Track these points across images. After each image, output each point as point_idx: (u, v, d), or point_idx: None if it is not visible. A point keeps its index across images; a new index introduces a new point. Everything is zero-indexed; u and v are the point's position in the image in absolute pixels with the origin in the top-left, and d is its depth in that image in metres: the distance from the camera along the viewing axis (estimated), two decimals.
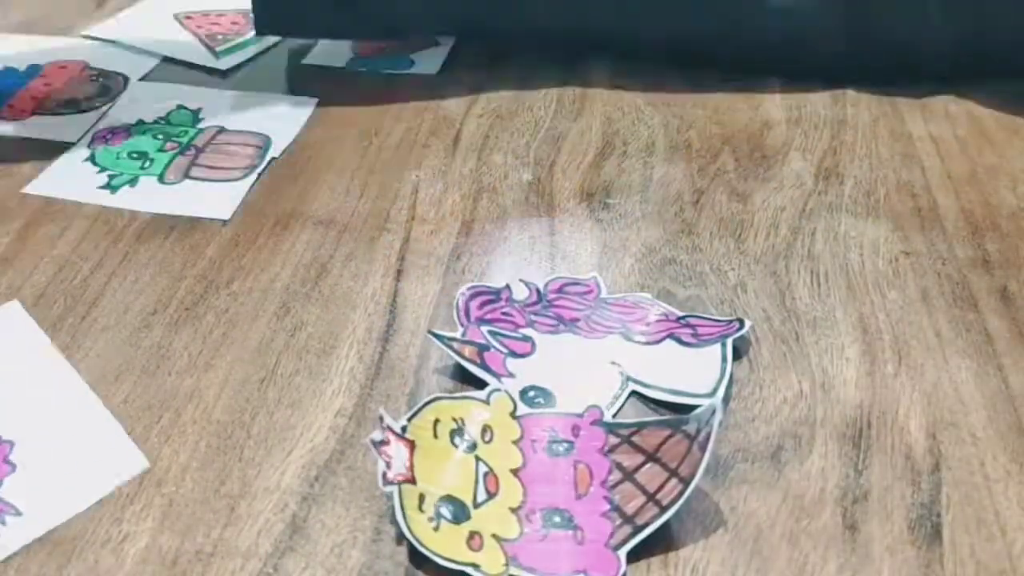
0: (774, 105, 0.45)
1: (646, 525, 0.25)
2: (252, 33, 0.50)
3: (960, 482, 0.27)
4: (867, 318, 0.33)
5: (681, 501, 0.25)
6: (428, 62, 0.49)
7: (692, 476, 0.25)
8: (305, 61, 0.48)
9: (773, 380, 0.31)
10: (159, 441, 0.29)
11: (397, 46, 0.50)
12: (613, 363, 0.31)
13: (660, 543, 0.26)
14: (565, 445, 0.27)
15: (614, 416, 0.29)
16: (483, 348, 0.31)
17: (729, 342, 0.31)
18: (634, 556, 0.25)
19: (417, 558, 0.25)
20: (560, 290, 0.34)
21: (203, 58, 0.49)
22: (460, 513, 0.26)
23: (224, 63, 0.49)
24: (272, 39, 0.51)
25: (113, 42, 0.51)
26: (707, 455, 0.25)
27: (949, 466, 0.28)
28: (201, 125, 0.44)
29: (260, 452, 0.29)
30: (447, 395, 0.29)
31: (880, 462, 0.28)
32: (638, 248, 0.36)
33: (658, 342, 0.31)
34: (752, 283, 0.34)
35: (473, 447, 0.27)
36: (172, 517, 0.27)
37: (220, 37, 0.51)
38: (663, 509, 0.25)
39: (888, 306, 0.33)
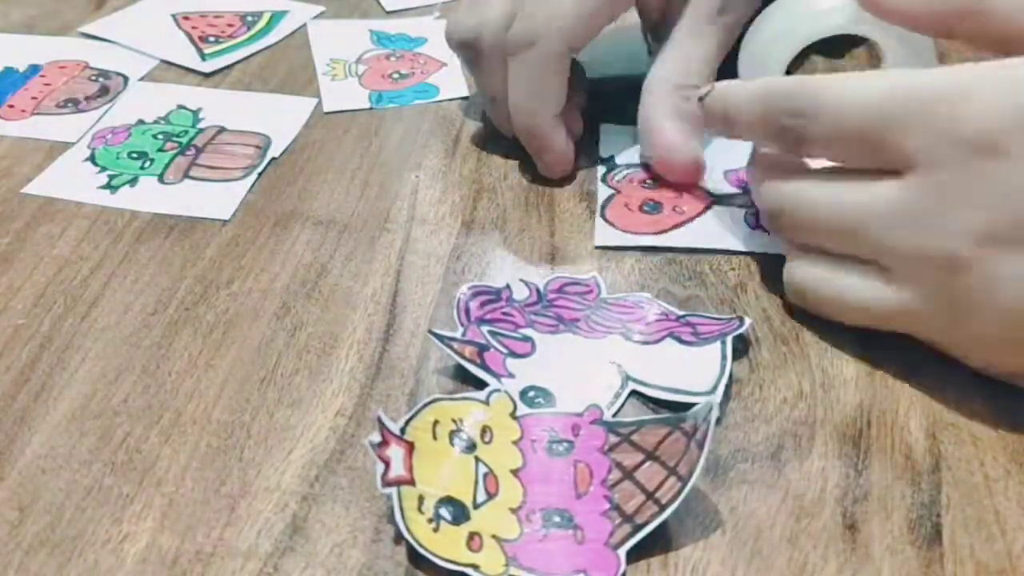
0: None
1: (646, 524, 0.25)
2: (244, 36, 0.50)
3: (960, 482, 0.27)
4: None
5: (680, 499, 0.25)
6: (453, 86, 0.47)
7: (690, 474, 0.25)
8: (328, 110, 0.45)
9: (773, 380, 0.31)
10: (159, 441, 0.29)
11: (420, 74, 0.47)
12: (613, 363, 0.31)
13: (660, 543, 0.26)
14: (565, 445, 0.27)
15: (614, 416, 0.29)
16: (483, 348, 0.31)
17: (729, 340, 0.31)
18: (634, 556, 0.25)
19: (417, 558, 0.25)
20: (560, 290, 0.34)
21: (190, 60, 0.49)
22: (460, 514, 0.26)
23: (208, 66, 0.48)
24: (261, 43, 0.51)
25: (113, 42, 0.51)
26: (704, 452, 0.25)
27: (949, 466, 0.28)
28: (201, 125, 0.44)
29: (260, 452, 0.29)
30: (446, 396, 0.29)
31: (880, 462, 0.28)
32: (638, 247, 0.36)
33: (658, 341, 0.31)
34: (752, 283, 0.34)
35: (472, 448, 0.27)
36: (172, 517, 0.27)
37: (212, 39, 0.51)
38: (662, 507, 0.25)
39: None
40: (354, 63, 0.49)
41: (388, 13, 0.54)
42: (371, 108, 0.45)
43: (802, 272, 0.32)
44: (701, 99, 0.35)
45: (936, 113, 0.27)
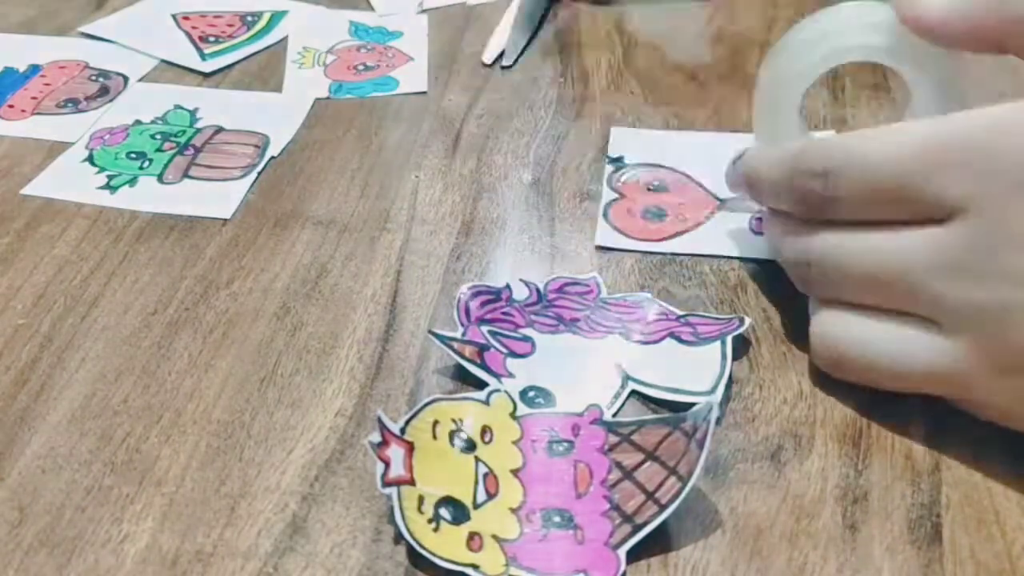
0: None
1: (645, 524, 0.25)
2: (244, 36, 0.50)
3: (960, 482, 0.27)
4: None
5: (680, 499, 0.25)
6: (414, 80, 0.47)
7: (690, 474, 0.25)
8: (286, 96, 0.46)
9: (773, 380, 0.31)
10: (159, 441, 0.29)
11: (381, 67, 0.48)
12: (613, 363, 0.31)
13: (660, 543, 0.26)
14: (565, 445, 0.27)
15: (614, 416, 0.29)
16: (483, 348, 0.31)
17: (729, 340, 0.31)
18: (634, 556, 0.25)
19: (417, 559, 0.25)
20: (560, 290, 0.34)
21: (190, 60, 0.49)
22: (460, 514, 0.26)
23: (209, 66, 0.49)
24: (260, 43, 0.51)
25: (113, 42, 0.51)
26: (704, 452, 0.25)
27: (949, 466, 0.28)
28: (198, 125, 0.44)
29: (260, 452, 0.29)
30: (446, 396, 0.29)
31: (880, 462, 0.28)
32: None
33: (658, 341, 0.31)
34: (752, 283, 0.34)
35: (472, 448, 0.27)
36: (172, 517, 0.27)
37: (212, 39, 0.51)
38: (662, 507, 0.25)
39: None
40: (324, 53, 0.50)
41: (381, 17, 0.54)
42: (328, 97, 0.46)
43: (833, 332, 0.30)
44: (734, 162, 0.34)
45: (977, 155, 0.26)
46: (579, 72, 0.48)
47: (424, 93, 0.46)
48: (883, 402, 0.30)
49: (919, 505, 0.27)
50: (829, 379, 0.31)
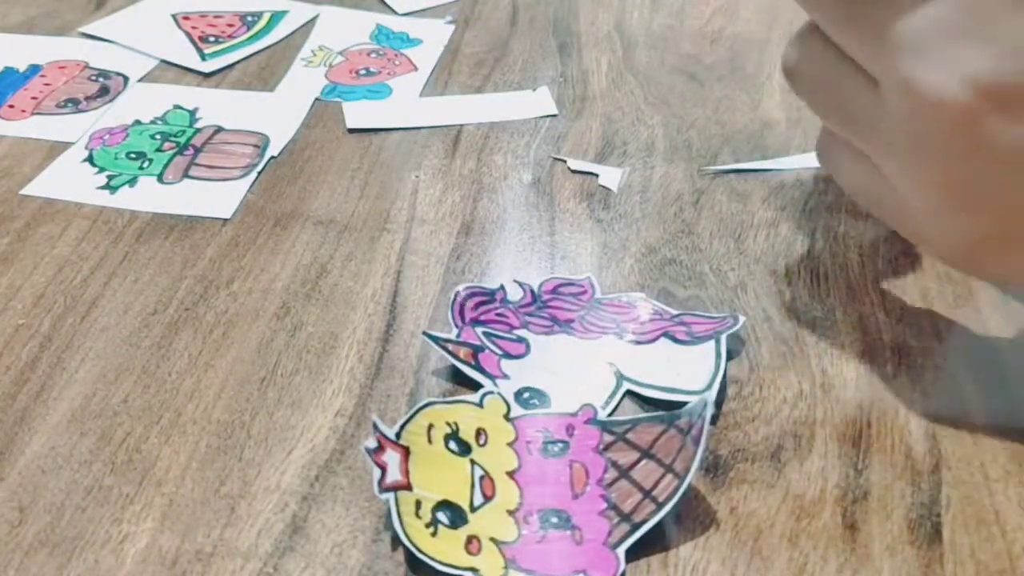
0: (774, 105, 0.45)
1: (644, 522, 0.25)
2: (244, 36, 0.50)
3: (960, 482, 0.27)
4: (867, 318, 0.33)
5: (677, 496, 0.25)
6: (408, 90, 0.46)
7: (687, 471, 0.25)
8: (280, 95, 0.46)
9: (773, 380, 0.31)
10: (159, 441, 0.29)
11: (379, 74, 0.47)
12: (608, 363, 0.31)
13: (660, 543, 0.26)
14: (560, 445, 0.27)
15: (609, 416, 0.29)
16: (477, 349, 0.31)
17: (723, 338, 0.31)
18: (634, 556, 0.25)
19: (416, 563, 0.25)
20: (554, 291, 0.34)
21: (190, 60, 0.49)
22: (457, 518, 0.26)
23: (208, 66, 0.48)
24: (261, 43, 0.51)
25: (113, 42, 0.51)
26: (700, 449, 0.25)
27: (949, 466, 0.28)
28: (198, 125, 0.44)
29: (260, 452, 0.29)
30: (440, 399, 0.29)
31: (880, 462, 0.28)
32: (638, 248, 0.36)
33: (652, 341, 0.31)
34: (752, 283, 0.34)
35: (468, 451, 0.27)
36: (172, 517, 0.27)
37: (212, 39, 0.51)
38: (660, 505, 0.25)
39: (888, 306, 0.33)
40: (336, 53, 0.50)
41: (400, 15, 0.54)
42: (317, 99, 0.46)
43: None
44: None
45: None
46: (579, 72, 0.48)
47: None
48: (883, 402, 0.30)
49: (919, 505, 0.27)
50: (829, 379, 0.31)
